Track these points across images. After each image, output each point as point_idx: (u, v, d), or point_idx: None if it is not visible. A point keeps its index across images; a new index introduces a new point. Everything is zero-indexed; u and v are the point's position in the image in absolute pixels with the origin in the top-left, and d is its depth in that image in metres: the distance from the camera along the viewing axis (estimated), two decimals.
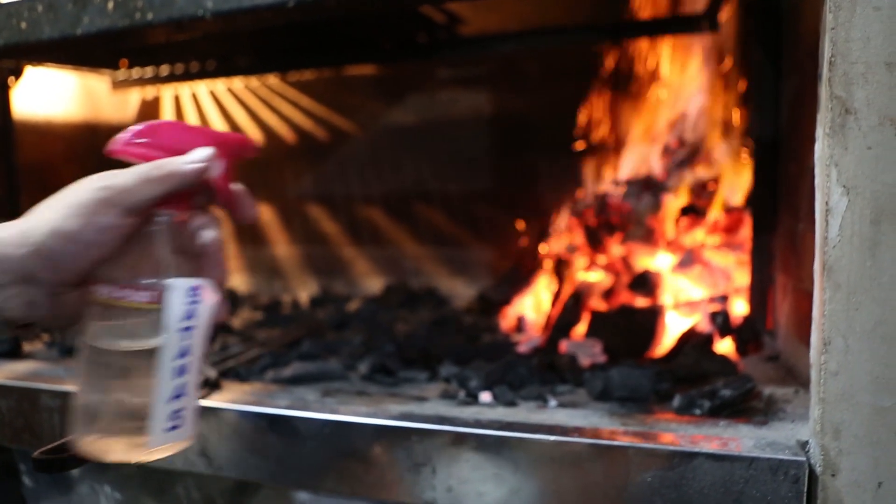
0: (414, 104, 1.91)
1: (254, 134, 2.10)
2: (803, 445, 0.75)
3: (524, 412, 0.91)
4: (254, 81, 2.06)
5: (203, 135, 0.55)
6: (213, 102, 2.14)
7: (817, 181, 0.72)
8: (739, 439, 0.78)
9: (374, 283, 1.99)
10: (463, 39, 1.64)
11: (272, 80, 2.03)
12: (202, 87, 2.14)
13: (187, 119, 2.18)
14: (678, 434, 0.80)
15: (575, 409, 0.92)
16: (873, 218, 0.68)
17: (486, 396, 0.97)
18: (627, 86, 1.62)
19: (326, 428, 0.89)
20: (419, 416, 0.88)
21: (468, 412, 0.90)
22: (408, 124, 1.92)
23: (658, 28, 1.43)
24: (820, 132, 0.71)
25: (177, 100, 2.18)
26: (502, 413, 0.90)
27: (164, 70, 1.99)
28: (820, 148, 0.71)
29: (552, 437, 0.80)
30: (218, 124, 2.14)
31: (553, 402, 0.95)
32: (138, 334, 0.50)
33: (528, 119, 1.81)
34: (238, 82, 2.07)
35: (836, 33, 0.68)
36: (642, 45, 1.57)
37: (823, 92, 0.70)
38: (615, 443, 0.77)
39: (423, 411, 0.91)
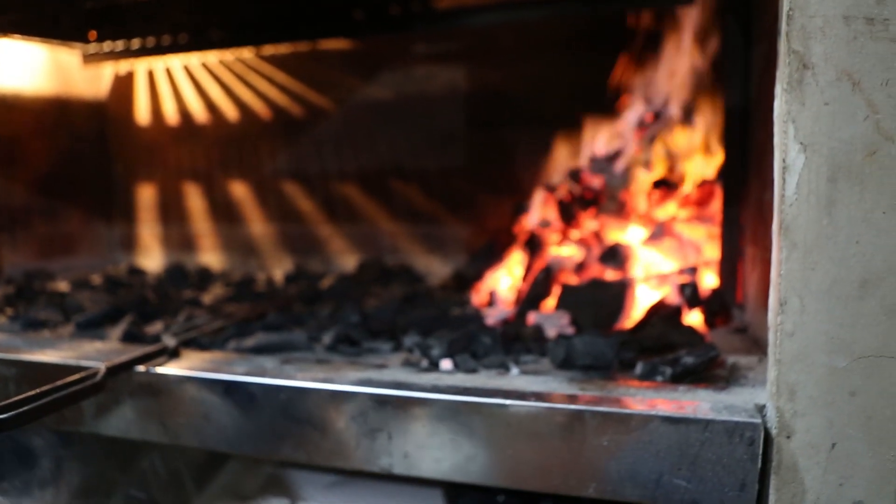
0: (389, 79, 1.87)
1: (229, 110, 2.07)
2: (760, 409, 0.75)
3: (483, 378, 0.89)
4: (228, 56, 2.02)
5: None
6: (187, 77, 2.10)
7: (776, 139, 0.70)
8: (697, 403, 0.77)
9: (349, 261, 1.96)
10: (438, 12, 1.61)
11: (246, 54, 1.99)
12: (176, 62, 2.10)
13: (161, 93, 2.14)
14: (635, 398, 0.79)
15: (536, 376, 0.91)
16: (830, 175, 0.67)
17: (446, 364, 0.96)
18: (603, 59, 1.60)
19: (283, 394, 0.87)
20: (376, 382, 0.86)
21: (426, 378, 0.89)
22: (383, 100, 1.89)
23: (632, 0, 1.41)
24: (778, 88, 0.70)
25: (150, 74, 2.14)
26: (461, 379, 0.88)
27: (136, 43, 1.95)
28: (778, 104, 0.70)
29: (508, 402, 0.78)
30: (192, 100, 2.10)
31: (515, 370, 0.94)
32: None
33: (505, 94, 1.79)
34: (212, 56, 2.04)
35: None
36: (620, 17, 1.55)
37: (782, 47, 0.68)
38: (570, 406, 0.76)
39: (381, 377, 0.89)
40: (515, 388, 0.83)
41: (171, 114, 2.14)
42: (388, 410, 0.83)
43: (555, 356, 0.96)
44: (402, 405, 0.82)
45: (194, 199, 2.15)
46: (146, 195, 2.21)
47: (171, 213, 2.18)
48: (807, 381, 0.69)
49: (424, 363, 0.99)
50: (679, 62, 1.42)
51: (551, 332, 1.13)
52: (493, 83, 1.79)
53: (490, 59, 1.79)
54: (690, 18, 1.39)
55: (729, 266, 1.23)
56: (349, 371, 0.92)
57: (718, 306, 1.16)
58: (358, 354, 1.06)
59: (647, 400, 0.78)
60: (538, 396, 0.79)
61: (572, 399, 0.78)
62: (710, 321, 1.15)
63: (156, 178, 2.19)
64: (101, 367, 0.90)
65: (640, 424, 0.74)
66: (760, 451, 0.71)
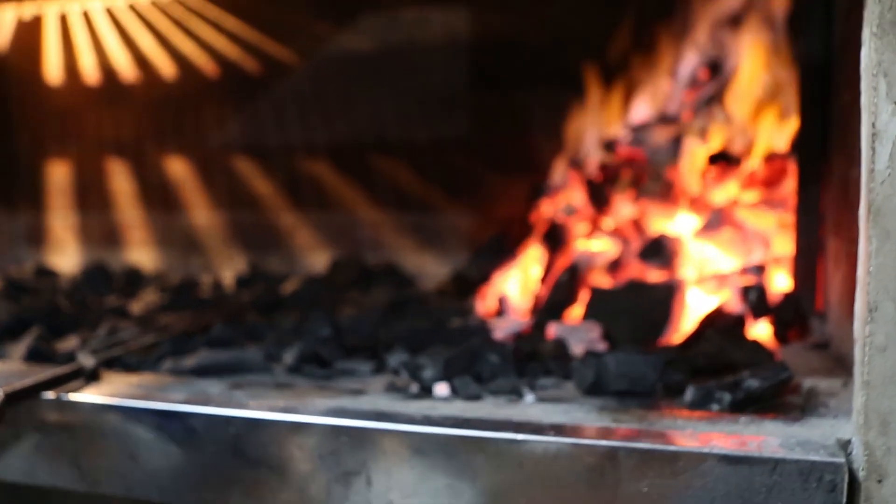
0: (370, 25, 1.89)
1: (164, 65, 2.07)
2: (844, 445, 0.75)
3: (490, 407, 0.90)
4: None
5: None
6: (110, 23, 2.11)
7: (863, 98, 0.71)
8: (763, 438, 0.77)
9: (319, 259, 1.97)
10: None
11: None
12: (96, 4, 2.10)
13: (77, 44, 2.15)
14: (684, 432, 0.79)
15: (557, 404, 0.91)
16: None
17: (442, 389, 0.96)
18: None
19: (231, 427, 0.87)
20: (352, 412, 0.86)
21: (415, 407, 0.89)
22: (363, 52, 1.90)
23: None
24: (867, 33, 0.70)
25: (63, 20, 2.14)
26: (461, 408, 0.89)
27: None
28: (866, 53, 0.70)
29: (520, 437, 0.78)
30: (118, 52, 2.11)
31: (530, 397, 0.95)
32: None
33: (518, 44, 1.80)
34: None
35: None
36: None
37: None
38: (601, 443, 0.76)
39: (358, 406, 0.89)
40: (530, 420, 0.84)
41: (89, 70, 2.14)
42: (367, 448, 0.83)
43: (581, 379, 0.97)
44: (385, 441, 0.82)
45: (120, 180, 2.16)
46: (58, 174, 2.22)
47: (91, 198, 2.19)
48: None
49: (414, 388, 0.99)
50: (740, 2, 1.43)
51: (577, 348, 1.13)
52: (504, 30, 1.80)
53: (498, 1, 1.80)
54: None
55: (806, 264, 1.25)
56: (317, 398, 0.93)
57: (792, 315, 1.17)
58: (328, 377, 1.07)
59: (699, 434, 0.78)
60: (558, 430, 0.79)
61: (603, 433, 0.79)
62: (781, 334, 1.17)
63: (71, 153, 2.20)
64: None
65: (690, 465, 0.74)
66: (844, 499, 0.71)
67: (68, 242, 2.23)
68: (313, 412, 0.86)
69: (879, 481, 0.71)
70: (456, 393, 0.96)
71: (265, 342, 1.21)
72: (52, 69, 2.18)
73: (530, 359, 1.08)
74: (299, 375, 1.08)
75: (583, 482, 0.77)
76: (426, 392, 0.97)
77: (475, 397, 0.94)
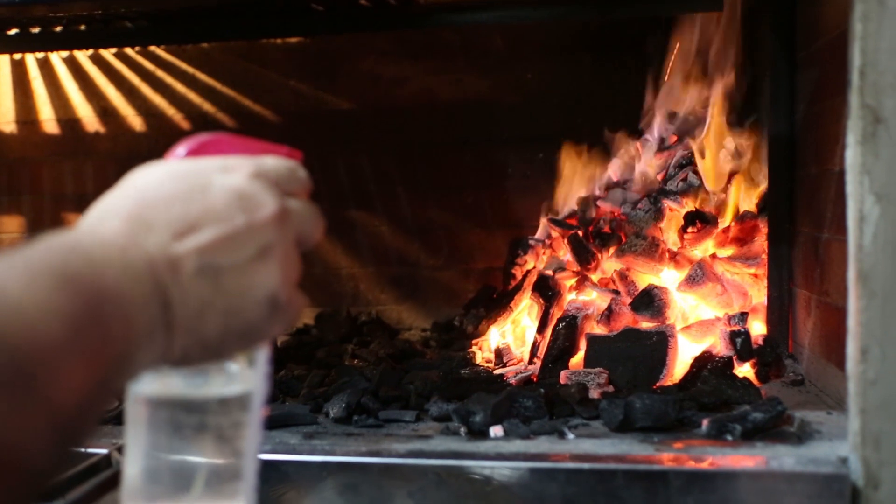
0: (350, 84, 2.11)
1: (130, 116, 2.22)
2: (844, 461, 1.03)
3: (546, 444, 1.14)
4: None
5: (259, 150, 0.62)
6: (70, 72, 2.24)
7: (850, 189, 1.00)
8: (780, 458, 1.05)
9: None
10: (420, 8, 1.85)
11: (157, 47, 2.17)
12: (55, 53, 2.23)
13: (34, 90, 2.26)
14: (717, 456, 1.06)
15: (597, 439, 1.16)
16: None
17: (497, 431, 1.19)
18: (617, 68, 1.90)
19: (324, 471, 1.08)
20: (430, 453, 1.09)
21: (484, 447, 1.12)
22: (341, 109, 2.12)
23: (655, 3, 1.70)
24: (851, 140, 0.99)
25: (21, 65, 2.25)
26: (523, 446, 1.12)
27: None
28: (851, 156, 0.99)
29: (586, 466, 1.03)
30: (80, 102, 2.24)
31: (570, 435, 1.19)
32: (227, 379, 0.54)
33: (494, 104, 2.06)
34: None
35: (865, 43, 0.97)
36: (636, 21, 1.86)
37: (854, 100, 0.98)
38: (654, 467, 1.02)
39: (434, 448, 1.11)
40: (588, 452, 1.08)
41: (48, 119, 2.26)
42: (452, 484, 1.05)
43: (611, 418, 1.22)
44: (468, 477, 1.05)
45: None
46: (8, 228, 2.32)
47: None
48: (892, 429, 0.98)
49: (463, 431, 1.21)
50: (709, 77, 1.74)
51: (592, 391, 1.38)
52: (481, 91, 2.06)
53: (476, 62, 2.05)
54: (719, 28, 1.71)
55: (777, 311, 1.54)
56: (393, 443, 1.14)
57: (772, 357, 1.46)
58: (379, 426, 1.27)
59: (729, 457, 1.05)
60: (619, 459, 1.04)
61: (654, 460, 1.04)
62: (763, 374, 1.45)
63: (23, 207, 2.30)
64: None
65: (727, 482, 1.01)
66: (849, 503, 0.99)
67: None
68: (399, 455, 1.08)
69: (875, 488, 0.99)
70: (507, 434, 1.19)
71: (300, 397, 1.41)
72: (5, 115, 2.28)
73: (554, 402, 1.32)
74: (350, 425, 1.28)
75: (639, 499, 1.02)
76: (477, 434, 1.20)
77: (526, 437, 1.18)
